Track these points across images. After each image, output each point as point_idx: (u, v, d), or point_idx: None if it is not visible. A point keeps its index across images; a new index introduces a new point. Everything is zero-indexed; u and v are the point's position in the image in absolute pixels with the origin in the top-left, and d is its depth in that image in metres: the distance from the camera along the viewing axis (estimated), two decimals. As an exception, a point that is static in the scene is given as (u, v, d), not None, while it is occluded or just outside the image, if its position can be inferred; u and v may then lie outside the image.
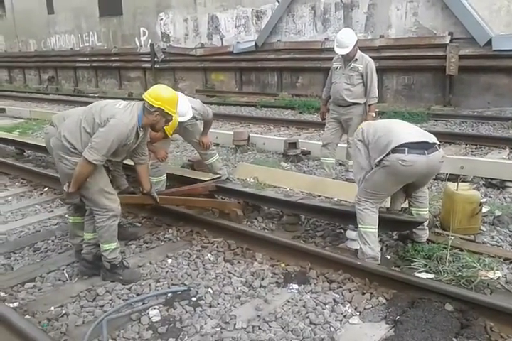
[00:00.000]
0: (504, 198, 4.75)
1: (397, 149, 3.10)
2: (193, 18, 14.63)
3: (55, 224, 4.42)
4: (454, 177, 4.99)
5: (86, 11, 17.78)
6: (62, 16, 18.90)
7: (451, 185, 3.95)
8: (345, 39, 4.94)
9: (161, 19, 15.56)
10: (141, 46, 16.28)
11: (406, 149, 3.08)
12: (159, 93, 3.23)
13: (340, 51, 5.02)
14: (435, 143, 3.23)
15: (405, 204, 3.73)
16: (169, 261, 3.60)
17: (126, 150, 3.32)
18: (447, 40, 9.65)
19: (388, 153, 3.12)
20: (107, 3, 17.06)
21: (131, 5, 16.30)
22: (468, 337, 2.56)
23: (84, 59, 17.92)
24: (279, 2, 12.36)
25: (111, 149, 3.09)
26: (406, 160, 3.08)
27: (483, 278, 3.10)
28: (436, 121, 8.77)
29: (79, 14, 18.16)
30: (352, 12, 11.22)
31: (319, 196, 4.85)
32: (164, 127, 3.98)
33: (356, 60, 5.10)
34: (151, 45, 15.30)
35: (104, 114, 3.13)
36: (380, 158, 3.16)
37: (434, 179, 5.35)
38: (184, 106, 4.48)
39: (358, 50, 5.13)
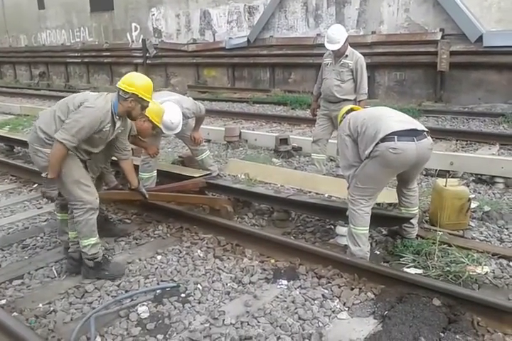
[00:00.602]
0: (493, 194, 4.78)
1: (387, 138, 3.08)
2: (185, 14, 14.55)
3: (44, 221, 4.40)
4: (444, 173, 5.02)
5: (77, 6, 17.62)
6: (53, 11, 18.72)
7: (440, 181, 3.97)
8: (335, 35, 4.93)
9: (153, 14, 15.46)
10: (132, 42, 16.18)
11: (395, 137, 3.06)
12: (132, 79, 3.23)
13: (330, 47, 5.01)
14: (424, 131, 3.21)
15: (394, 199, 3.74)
16: (159, 257, 3.59)
17: (103, 139, 3.26)
18: (439, 37, 9.66)
19: (377, 143, 3.10)
20: (98, -2, 16.94)
21: (122, 0, 16.17)
22: (456, 332, 2.58)
23: (76, 54, 17.78)
24: (271, -3, 12.32)
25: (82, 131, 3.03)
26: (396, 148, 3.06)
27: (471, 273, 3.12)
28: (427, 117, 8.78)
29: (70, 9, 18.00)
30: (344, 8, 11.20)
31: (310, 192, 4.86)
32: (152, 120, 3.95)
33: (347, 56, 5.10)
34: (143, 40, 15.21)
35: (77, 100, 3.15)
36: (370, 149, 3.14)
37: (424, 175, 5.39)
38: (175, 119, 4.40)
39: (349, 46, 5.12)
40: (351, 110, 3.77)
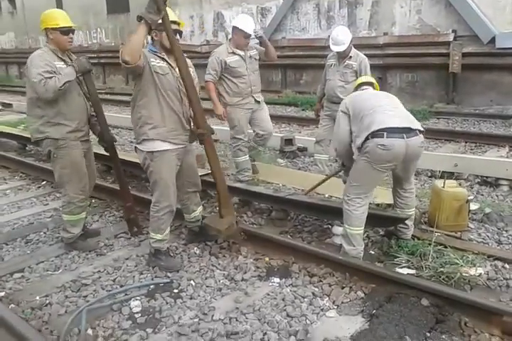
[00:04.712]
0: (496, 196, 4.73)
1: (377, 133, 3.12)
2: (199, 15, 14.67)
3: (49, 217, 4.50)
4: (449, 175, 4.99)
5: (94, 8, 17.91)
6: (71, 13, 18.41)
7: (439, 183, 3.95)
8: (340, 36, 4.96)
9: (168, 16, 15.61)
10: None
11: (385, 133, 3.10)
12: None
13: (336, 48, 5.03)
14: (417, 129, 3.19)
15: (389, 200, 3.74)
16: (156, 253, 3.65)
17: None
18: (451, 38, 9.56)
19: (368, 138, 3.15)
20: (114, 0, 17.18)
21: (138, 2, 16.33)
22: (442, 332, 2.58)
23: (92, 55, 18.01)
24: (283, -1, 12.36)
25: None
26: (385, 145, 3.09)
27: (464, 274, 3.10)
28: (438, 119, 8.72)
29: (87, 11, 18.29)
30: (356, 9, 11.17)
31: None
32: None
33: (351, 57, 5.11)
34: (158, 41, 15.37)
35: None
36: (362, 139, 3.19)
37: (429, 176, 5.36)
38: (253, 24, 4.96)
39: (353, 48, 5.14)
40: (368, 84, 3.77)
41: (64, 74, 3.31)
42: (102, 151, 3.96)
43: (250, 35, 4.87)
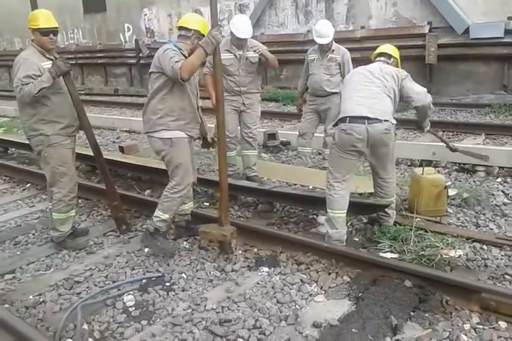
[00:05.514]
0: (474, 181, 4.90)
1: (341, 119, 3.41)
2: (177, 13, 14.63)
3: (36, 218, 4.51)
4: (428, 163, 5.13)
5: (70, 7, 17.67)
6: (46, 14, 18.75)
7: (418, 170, 4.09)
8: (324, 29, 5.06)
9: (145, 14, 15.55)
10: (125, 42, 16.26)
11: (347, 119, 3.37)
12: (189, 18, 3.50)
13: (321, 41, 5.10)
14: (377, 119, 3.32)
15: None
16: (146, 250, 3.69)
17: None
18: (426, 30, 9.74)
19: (336, 123, 3.46)
20: (90, -1, 17.05)
21: (114, 1, 16.26)
22: (425, 311, 2.70)
23: (70, 56, 17.83)
24: (261, -5, 12.41)
25: None
26: (345, 129, 3.35)
27: (444, 256, 3.24)
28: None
29: (63, 11, 18.03)
30: (333, 4, 11.29)
31: (295, 184, 4.97)
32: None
33: (333, 50, 5.22)
34: (136, 40, 15.29)
35: None
36: (333, 123, 3.56)
37: (408, 165, 5.51)
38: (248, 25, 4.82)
39: (334, 41, 5.25)
40: (381, 55, 3.79)
41: (40, 80, 3.35)
42: (85, 151, 4.01)
43: (242, 38, 4.72)
